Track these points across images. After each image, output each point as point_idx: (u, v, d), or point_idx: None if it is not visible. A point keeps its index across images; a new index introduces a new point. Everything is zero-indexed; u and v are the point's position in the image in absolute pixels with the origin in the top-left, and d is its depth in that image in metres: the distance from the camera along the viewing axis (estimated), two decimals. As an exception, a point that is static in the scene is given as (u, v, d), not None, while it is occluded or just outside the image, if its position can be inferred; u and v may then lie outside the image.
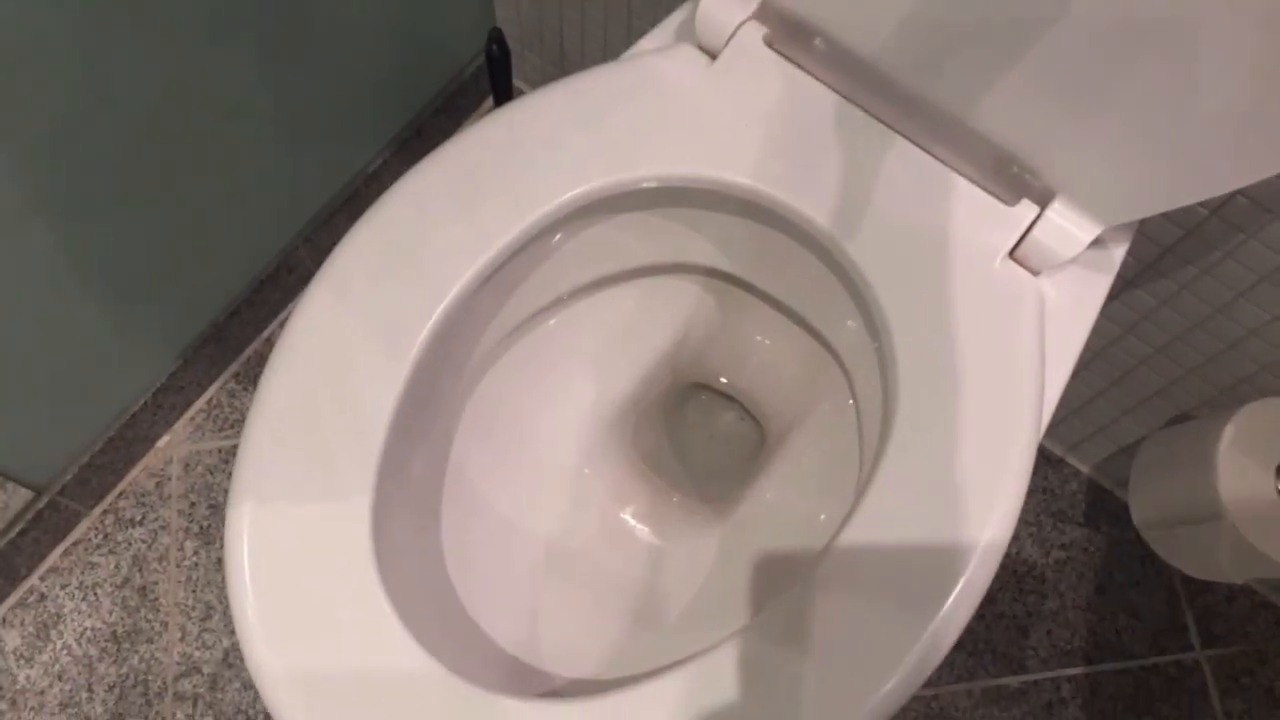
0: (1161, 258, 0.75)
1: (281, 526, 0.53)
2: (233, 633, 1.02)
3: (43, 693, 1.01)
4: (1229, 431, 0.75)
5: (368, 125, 1.06)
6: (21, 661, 1.01)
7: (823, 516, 0.69)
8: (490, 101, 1.21)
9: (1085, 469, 1.09)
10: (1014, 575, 1.06)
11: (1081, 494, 1.09)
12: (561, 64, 1.11)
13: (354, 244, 0.59)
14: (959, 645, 1.03)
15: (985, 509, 0.53)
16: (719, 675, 0.50)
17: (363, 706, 0.50)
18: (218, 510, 1.06)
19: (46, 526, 1.00)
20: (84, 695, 1.01)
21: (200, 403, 1.09)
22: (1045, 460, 1.10)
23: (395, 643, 0.51)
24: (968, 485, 0.53)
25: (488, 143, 0.61)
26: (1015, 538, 1.08)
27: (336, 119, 0.99)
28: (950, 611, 0.51)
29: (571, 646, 0.67)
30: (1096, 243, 0.60)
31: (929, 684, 1.02)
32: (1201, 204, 0.70)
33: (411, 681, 0.51)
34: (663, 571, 0.73)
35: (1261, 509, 0.74)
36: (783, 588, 0.66)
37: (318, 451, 0.55)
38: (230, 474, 1.07)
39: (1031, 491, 1.09)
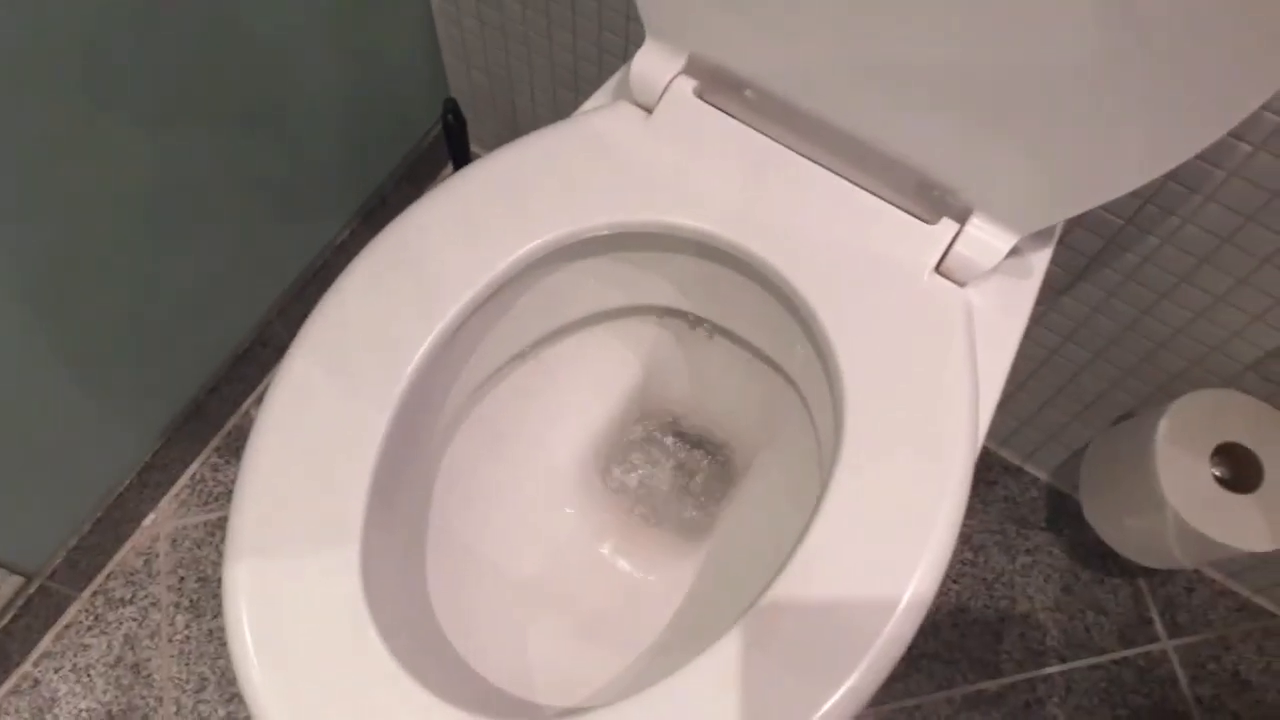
0: (1088, 267, 0.81)
1: (276, 582, 0.56)
2: (228, 701, 1.03)
3: (41, 778, 1.01)
4: (1163, 425, 0.80)
5: (334, 198, 1.10)
6: (19, 749, 1.02)
7: (787, 540, 0.73)
8: (450, 167, 1.26)
9: (1043, 475, 1.14)
10: (984, 582, 1.10)
11: (1042, 499, 1.13)
12: (515, 127, 1.17)
13: (328, 307, 0.63)
14: (935, 655, 1.07)
15: (926, 525, 0.57)
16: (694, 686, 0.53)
17: None
18: (207, 583, 1.08)
19: (37, 611, 1.02)
20: (83, 777, 1.01)
21: (184, 479, 1.12)
22: (1005, 470, 1.15)
23: (398, 686, 0.54)
24: (910, 503, 0.57)
25: (450, 202, 0.66)
26: (982, 546, 1.12)
27: (303, 195, 1.04)
28: (891, 633, 0.54)
29: (561, 679, 0.70)
30: (1016, 251, 0.66)
31: (909, 694, 1.05)
32: (1116, 213, 0.76)
33: (406, 707, 0.54)
34: (643, 600, 0.76)
35: (1201, 496, 0.79)
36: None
37: (305, 507, 0.58)
38: (218, 547, 1.09)
39: (994, 501, 1.14)
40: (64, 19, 0.69)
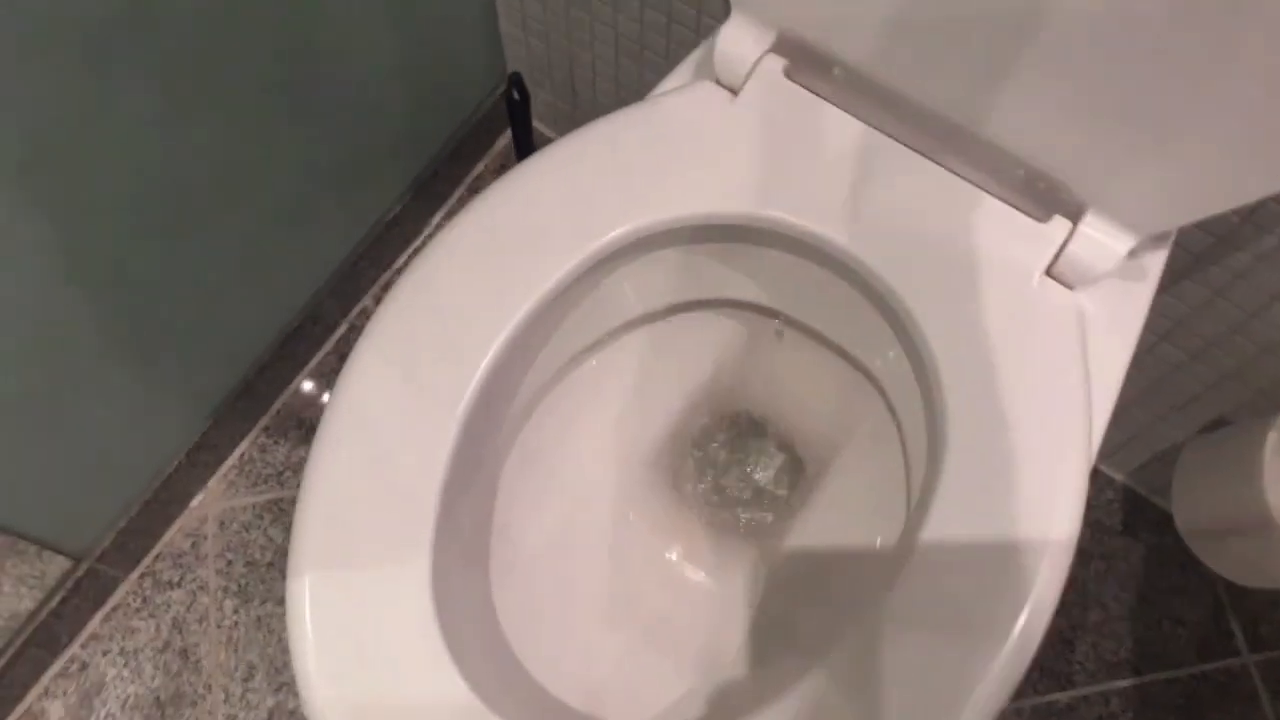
0: (1194, 265, 0.75)
1: (341, 596, 0.53)
2: (276, 691, 1.01)
3: (89, 761, 1.00)
4: (1273, 438, 0.74)
5: (385, 173, 1.07)
6: (66, 731, 1.01)
7: (876, 542, 0.69)
8: (506, 139, 1.22)
9: (1120, 477, 1.08)
10: (1057, 589, 1.06)
11: (1118, 502, 1.08)
12: (574, 100, 1.12)
13: (395, 307, 0.59)
14: (1006, 663, 1.02)
15: (1043, 536, 0.53)
16: None
17: None
18: (255, 567, 1.06)
19: (85, 594, 1.00)
20: (130, 761, 1.00)
21: (232, 459, 1.10)
22: (1079, 471, 1.10)
23: (469, 711, 0.51)
24: (1023, 515, 0.53)
25: (522, 194, 0.61)
26: (1055, 551, 1.07)
27: (354, 169, 1.00)
28: (1018, 642, 0.51)
29: (631, 696, 0.66)
30: (1133, 254, 0.60)
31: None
32: (1232, 210, 0.70)
33: None
34: (714, 610, 0.73)
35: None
36: (836, 619, 0.66)
37: (373, 518, 0.55)
38: (266, 530, 1.07)
39: (1068, 503, 1.09)
40: (117, -12, 0.66)
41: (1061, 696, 1.02)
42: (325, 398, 1.09)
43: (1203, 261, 0.75)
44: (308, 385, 1.13)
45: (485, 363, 0.58)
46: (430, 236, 1.18)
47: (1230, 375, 0.84)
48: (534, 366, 0.68)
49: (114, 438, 0.92)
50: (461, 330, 0.59)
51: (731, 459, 0.78)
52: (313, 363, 1.13)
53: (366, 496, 0.56)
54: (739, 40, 0.64)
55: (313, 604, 0.54)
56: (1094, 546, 1.07)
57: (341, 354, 1.13)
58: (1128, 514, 1.08)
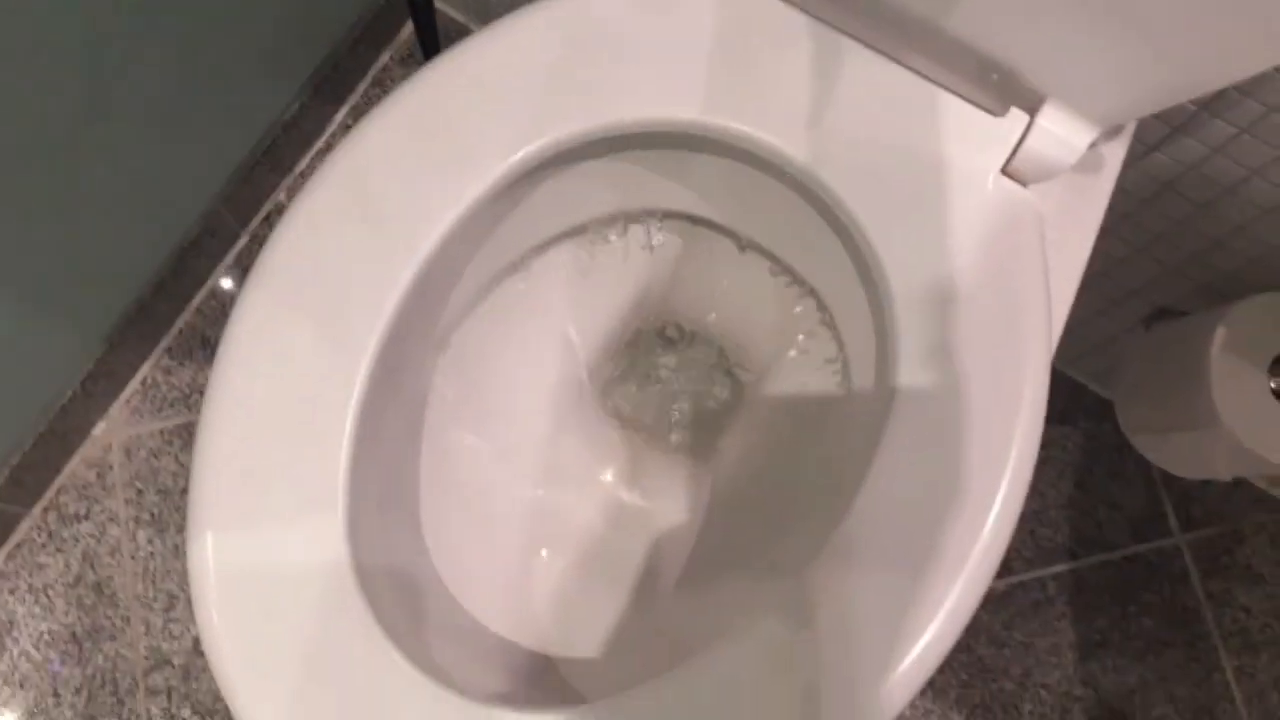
0: (1146, 156, 0.72)
1: (249, 558, 0.48)
2: (200, 621, 0.97)
3: (6, 703, 0.96)
4: (1220, 333, 0.72)
5: (279, 67, 0.97)
6: (-23, 674, 0.96)
7: (817, 459, 0.66)
8: (409, 28, 1.12)
9: (1060, 365, 1.07)
10: (995, 480, 1.05)
11: (1057, 391, 1.07)
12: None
13: (296, 227, 0.53)
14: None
15: (1004, 447, 0.50)
16: (727, 670, 0.47)
17: None
18: (167, 495, 1.00)
19: (-16, 533, 0.94)
20: (50, 701, 0.96)
21: (134, 384, 1.02)
22: (1018, 360, 1.08)
23: (382, 659, 0.47)
24: (982, 429, 0.50)
25: (434, 100, 0.54)
26: (994, 442, 1.06)
27: (242, 65, 0.91)
28: (979, 562, 0.49)
29: (569, 626, 0.64)
30: (1091, 148, 0.56)
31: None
32: (1190, 100, 0.66)
33: (401, 698, 0.47)
34: (652, 533, 0.70)
35: (1257, 411, 0.72)
36: (775, 538, 0.64)
37: (278, 464, 0.49)
38: (177, 456, 1.01)
39: (1006, 393, 1.08)
40: None
41: (999, 584, 1.03)
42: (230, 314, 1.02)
43: (1157, 154, 0.72)
44: (210, 303, 1.05)
45: (400, 288, 0.52)
46: (334, 136, 1.09)
47: (1175, 269, 0.81)
48: (458, 286, 0.62)
49: (-3, 369, 0.84)
50: (368, 255, 0.53)
51: (665, 376, 0.74)
52: (213, 278, 1.05)
53: (272, 440, 0.51)
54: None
55: (215, 559, 0.49)
56: (1031, 436, 1.06)
57: (245, 267, 1.05)
58: (1067, 403, 1.07)
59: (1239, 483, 1.06)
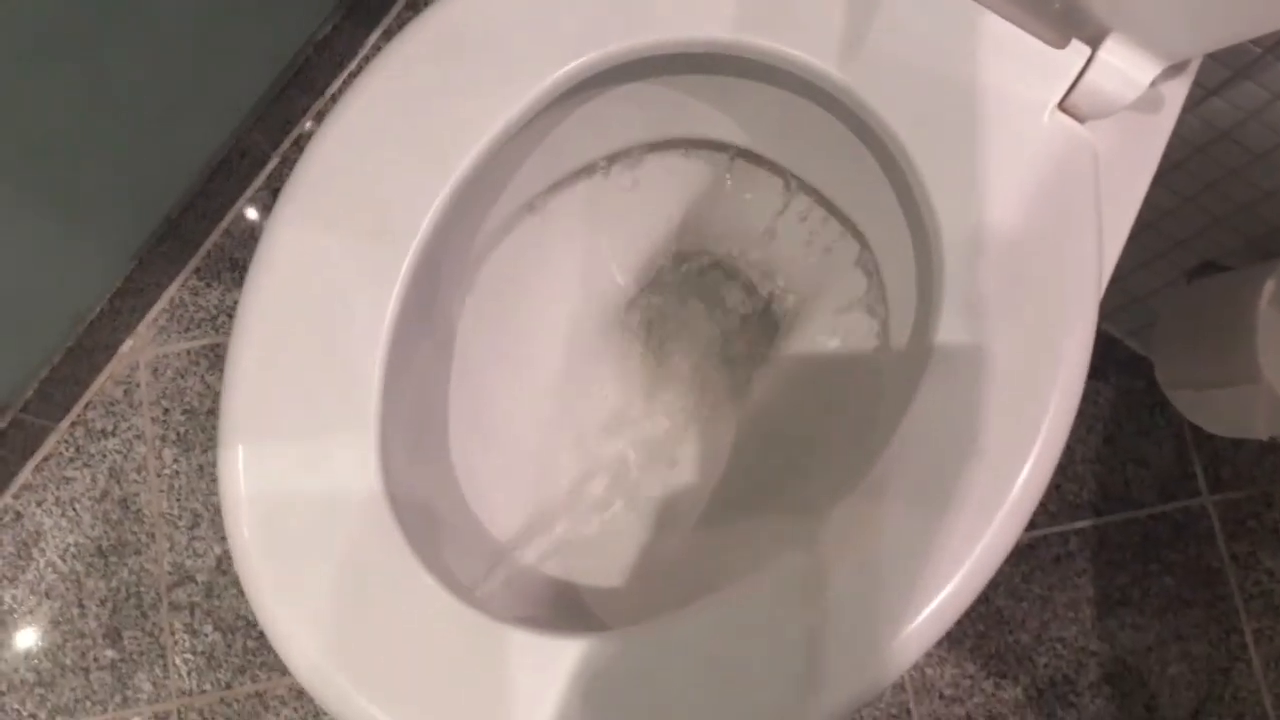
0: (1205, 101, 0.69)
1: (278, 468, 0.48)
2: (223, 538, 0.98)
3: (32, 611, 0.97)
4: (1270, 287, 0.70)
5: (314, -14, 0.95)
6: (4, 582, 0.97)
7: (852, 402, 0.65)
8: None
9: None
10: (1022, 433, 1.04)
11: (1093, 344, 1.06)
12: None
13: (327, 147, 0.52)
14: (969, 506, 1.02)
15: (1045, 398, 0.49)
16: (757, 604, 0.47)
17: (381, 644, 0.47)
18: (193, 415, 1.01)
19: (13, 445, 0.95)
20: (75, 611, 0.97)
21: (162, 303, 1.02)
22: (1052, 313, 1.07)
23: (411, 579, 0.47)
24: (1024, 377, 0.49)
25: (467, 16, 0.53)
26: (1023, 395, 1.05)
27: (278, -19, 0.89)
28: (1011, 512, 0.48)
29: (594, 555, 0.64)
30: (1152, 85, 0.54)
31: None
32: (1255, 40, 0.63)
33: (426, 612, 0.47)
34: (678, 469, 0.69)
35: (1301, 366, 0.71)
36: (801, 480, 0.63)
37: (310, 381, 0.49)
38: (203, 376, 1.01)
39: (1038, 346, 1.06)
40: None
41: (1021, 537, 1.02)
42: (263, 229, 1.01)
43: (1216, 99, 0.69)
44: (239, 224, 1.04)
45: (436, 208, 0.51)
46: (366, 59, 1.07)
47: (1222, 220, 0.79)
48: (493, 210, 0.61)
49: (28, 283, 0.84)
50: (408, 172, 0.51)
51: (699, 308, 0.73)
52: (242, 199, 1.04)
53: (305, 357, 0.50)
54: None
55: (246, 474, 0.49)
56: (1062, 390, 1.05)
57: (274, 189, 1.05)
58: (1100, 356, 1.05)
59: (1271, 446, 1.04)
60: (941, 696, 1.00)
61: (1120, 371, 1.05)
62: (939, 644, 1.00)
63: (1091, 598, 1.02)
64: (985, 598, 1.01)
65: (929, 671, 1.00)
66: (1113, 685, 1.01)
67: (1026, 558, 1.02)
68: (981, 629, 1.01)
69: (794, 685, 0.45)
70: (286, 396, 0.49)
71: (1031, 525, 1.02)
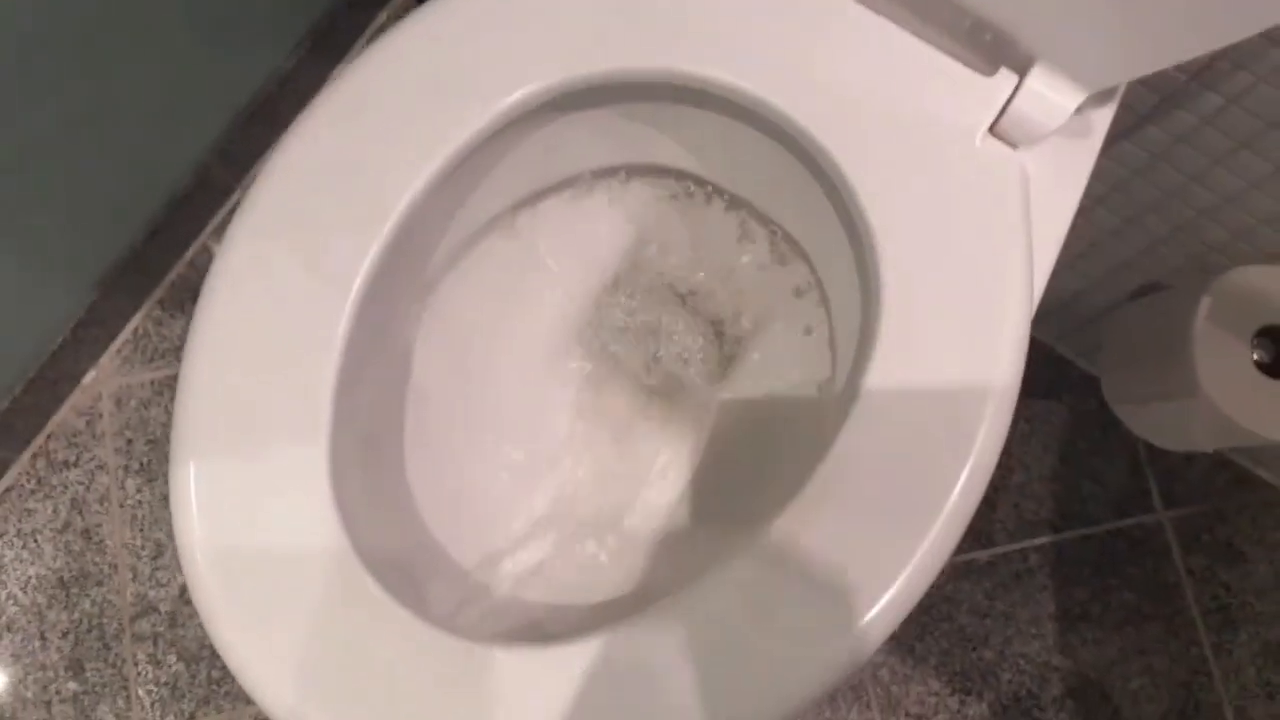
0: (1137, 127, 0.72)
1: (231, 489, 0.49)
2: (187, 570, 0.98)
3: (-7, 646, 0.97)
4: (1205, 303, 0.73)
5: (275, 22, 0.97)
6: (-35, 616, 0.97)
7: (800, 416, 0.67)
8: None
9: (1047, 340, 1.08)
10: (980, 452, 1.06)
11: (1044, 366, 1.08)
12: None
13: (284, 166, 0.53)
14: (929, 525, 1.03)
15: (980, 404, 0.51)
16: (705, 608, 0.48)
17: (356, 681, 0.47)
18: (156, 445, 1.01)
19: (-27, 477, 0.95)
20: (37, 644, 0.97)
21: (125, 334, 1.03)
22: (1007, 334, 1.09)
23: (375, 603, 0.48)
24: (960, 385, 0.51)
25: (425, 42, 0.55)
26: (980, 414, 1.07)
27: (239, 17, 0.90)
28: (954, 510, 0.49)
29: (550, 569, 0.64)
30: (1079, 112, 0.56)
31: (901, 566, 1.02)
32: (1179, 68, 0.66)
33: (398, 640, 0.48)
34: (635, 487, 0.70)
35: (1238, 382, 0.73)
36: (755, 494, 0.64)
37: (262, 397, 0.50)
38: (166, 407, 1.01)
39: (994, 367, 1.08)
40: None
41: (981, 554, 1.03)
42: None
43: (1146, 124, 0.72)
44: (203, 257, 1.05)
45: (384, 232, 0.53)
46: (330, 90, 1.08)
47: (1163, 241, 0.82)
48: (443, 235, 0.62)
49: (-14, 314, 0.85)
50: (355, 195, 0.53)
51: (652, 327, 0.74)
52: (206, 232, 1.05)
53: (256, 373, 0.51)
54: None
55: (198, 489, 0.50)
56: (1019, 409, 1.05)
57: (240, 219, 1.05)
58: (1053, 377, 1.08)
59: (1223, 462, 1.06)
60: (908, 714, 1.01)
61: (1072, 392, 1.07)
62: (902, 661, 1.01)
63: (1053, 613, 1.03)
64: (948, 615, 1.02)
65: (894, 689, 1.01)
66: (1076, 700, 1.02)
67: (988, 575, 1.03)
68: (945, 646, 1.02)
69: (738, 688, 0.46)
70: (238, 411, 0.50)
71: (991, 542, 1.04)
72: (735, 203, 0.68)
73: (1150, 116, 0.70)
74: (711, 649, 0.47)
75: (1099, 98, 0.58)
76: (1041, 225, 0.56)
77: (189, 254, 1.04)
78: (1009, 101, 0.54)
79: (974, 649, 1.02)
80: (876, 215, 0.54)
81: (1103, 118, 0.59)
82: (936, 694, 1.01)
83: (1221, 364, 0.73)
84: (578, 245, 0.71)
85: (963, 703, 1.01)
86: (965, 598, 1.03)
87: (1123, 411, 0.86)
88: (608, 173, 0.67)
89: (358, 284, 0.52)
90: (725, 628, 0.47)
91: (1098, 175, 0.77)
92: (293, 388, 0.51)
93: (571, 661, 0.47)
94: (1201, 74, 0.65)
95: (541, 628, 0.63)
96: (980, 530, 1.04)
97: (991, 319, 0.53)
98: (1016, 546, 1.04)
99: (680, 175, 0.68)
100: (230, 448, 0.50)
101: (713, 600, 0.48)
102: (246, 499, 0.50)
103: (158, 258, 1.00)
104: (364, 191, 0.53)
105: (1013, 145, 0.55)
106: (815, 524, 0.49)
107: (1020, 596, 1.03)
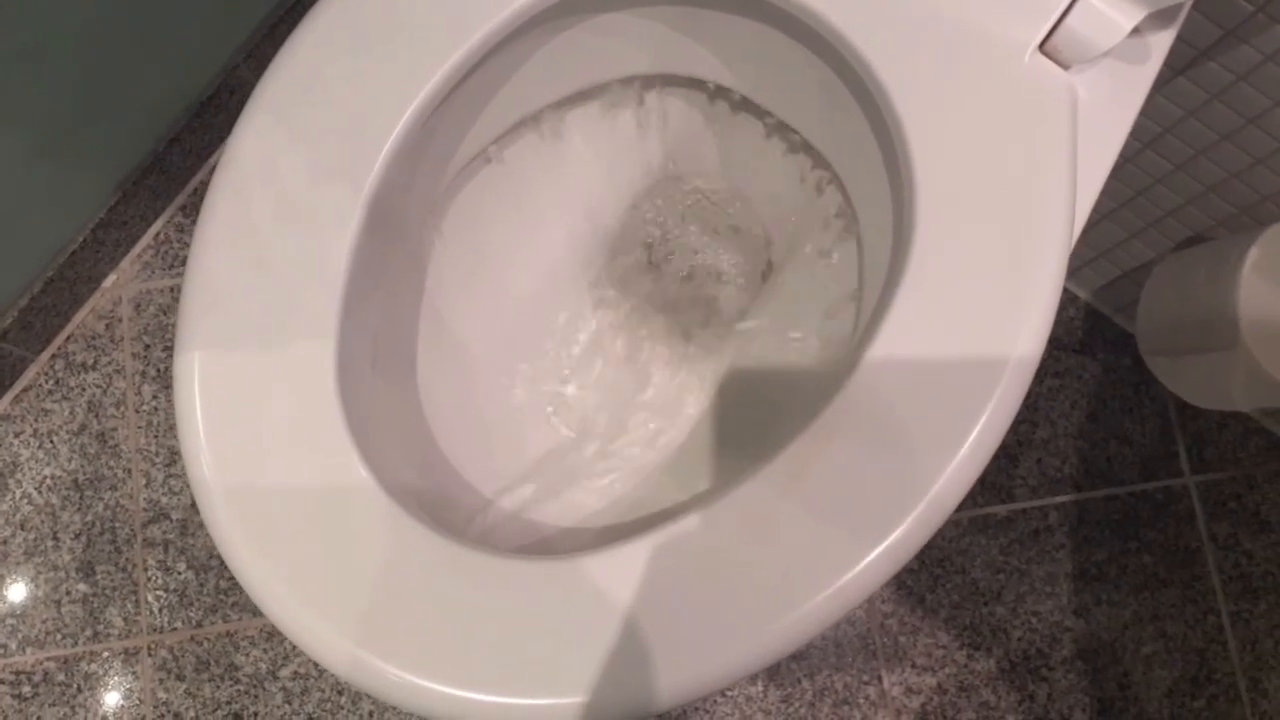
0: (1195, 62, 0.68)
1: (234, 380, 0.47)
2: (200, 478, 0.98)
3: (6, 542, 0.97)
4: (1253, 254, 0.69)
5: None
6: (-20, 512, 0.97)
7: (824, 345, 0.65)
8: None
9: (1084, 294, 1.05)
10: (1006, 405, 1.04)
11: (1079, 320, 1.05)
12: None
13: (299, 44, 0.51)
14: (948, 476, 1.01)
15: (1008, 346, 0.49)
16: (714, 529, 0.46)
17: (389, 605, 0.46)
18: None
19: (-9, 373, 0.95)
20: (49, 544, 0.97)
21: (146, 239, 1.02)
22: (1042, 286, 1.06)
23: (379, 507, 0.47)
24: (988, 323, 0.49)
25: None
26: (1009, 367, 1.04)
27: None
28: (968, 456, 0.47)
29: (559, 489, 0.63)
30: (1136, 33, 0.53)
31: (917, 515, 1.00)
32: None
33: (397, 543, 0.47)
34: (651, 414, 0.69)
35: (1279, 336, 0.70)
36: (780, 424, 0.62)
37: (272, 291, 0.49)
38: (184, 314, 1.00)
39: (1027, 319, 1.05)
40: None
41: (1000, 509, 1.02)
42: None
43: (1206, 59, 0.68)
44: (228, 161, 1.03)
45: (398, 128, 0.51)
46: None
47: (1214, 188, 0.78)
48: (463, 139, 0.61)
49: (7, 210, 0.84)
50: (368, 91, 0.51)
51: (676, 252, 0.72)
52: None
53: (266, 267, 0.50)
54: None
55: (202, 381, 0.49)
56: (1049, 363, 1.04)
57: (265, 129, 1.04)
58: (1086, 332, 1.05)
59: (1255, 429, 1.03)
60: (914, 665, 1.00)
61: (1107, 348, 1.04)
62: (912, 612, 1.00)
63: (1069, 573, 1.01)
64: (962, 568, 1.01)
65: (902, 640, 1.00)
66: (1086, 661, 1.01)
67: (1005, 530, 1.01)
68: (957, 599, 1.01)
69: (740, 609, 0.45)
70: (245, 304, 0.49)
71: (1011, 498, 1.02)
72: (765, 117, 0.65)
73: (1210, 51, 0.67)
74: (710, 576, 0.45)
75: (1158, 19, 0.55)
76: (1088, 154, 0.53)
77: (213, 160, 1.03)
78: (1062, 17, 0.51)
79: (986, 604, 1.01)
80: (915, 133, 0.51)
81: (1160, 44, 0.56)
82: (945, 647, 1.00)
83: (1265, 317, 0.70)
84: (605, 158, 0.69)
85: (970, 657, 1.00)
86: (980, 551, 1.01)
87: (1157, 365, 0.84)
88: (634, 81, 0.65)
89: (370, 181, 0.50)
90: (727, 554, 0.46)
91: (1150, 114, 0.74)
92: (301, 283, 0.49)
93: (587, 572, 0.46)
94: (1271, 4, 0.61)
95: (551, 547, 0.62)
96: (1000, 484, 1.02)
97: (1029, 250, 0.50)
98: (1037, 503, 1.02)
99: (716, 90, 0.65)
100: (235, 339, 0.49)
101: (713, 525, 0.46)
102: (251, 390, 0.49)
103: (181, 163, 0.99)
104: (380, 82, 0.51)
105: (1064, 65, 0.52)
106: (825, 457, 0.47)
107: (1037, 554, 1.01)
